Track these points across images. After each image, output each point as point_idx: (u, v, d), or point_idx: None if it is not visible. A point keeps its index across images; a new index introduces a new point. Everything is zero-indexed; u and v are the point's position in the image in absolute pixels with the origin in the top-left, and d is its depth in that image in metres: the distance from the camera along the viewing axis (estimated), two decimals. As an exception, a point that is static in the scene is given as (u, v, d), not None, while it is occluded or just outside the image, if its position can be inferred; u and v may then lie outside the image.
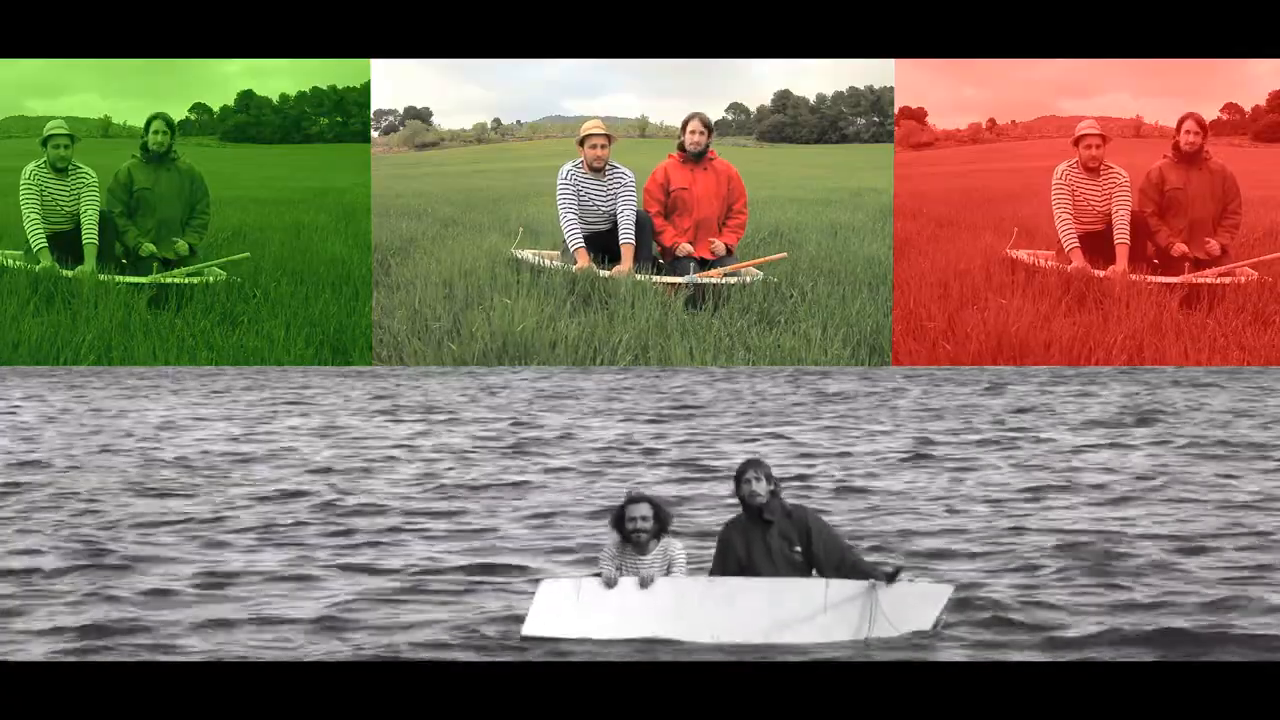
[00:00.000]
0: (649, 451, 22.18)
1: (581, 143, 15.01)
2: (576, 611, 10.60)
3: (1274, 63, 14.73)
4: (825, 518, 11.35)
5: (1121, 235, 14.69)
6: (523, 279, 14.64)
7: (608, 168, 15.04)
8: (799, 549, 10.69)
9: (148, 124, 14.83)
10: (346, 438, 24.17)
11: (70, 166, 14.77)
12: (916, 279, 14.48)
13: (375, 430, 25.40)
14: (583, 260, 14.81)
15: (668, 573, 10.73)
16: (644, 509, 10.75)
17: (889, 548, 14.23)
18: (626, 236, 14.89)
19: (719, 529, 11.12)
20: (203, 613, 11.87)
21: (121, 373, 36.17)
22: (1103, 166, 14.88)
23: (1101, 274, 14.57)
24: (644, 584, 10.66)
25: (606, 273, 14.74)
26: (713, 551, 11.04)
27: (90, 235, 14.62)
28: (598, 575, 10.83)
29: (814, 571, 10.74)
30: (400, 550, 14.55)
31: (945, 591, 10.88)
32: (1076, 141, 14.89)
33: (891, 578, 10.64)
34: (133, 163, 14.87)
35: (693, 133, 15.15)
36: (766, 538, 10.70)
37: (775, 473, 10.90)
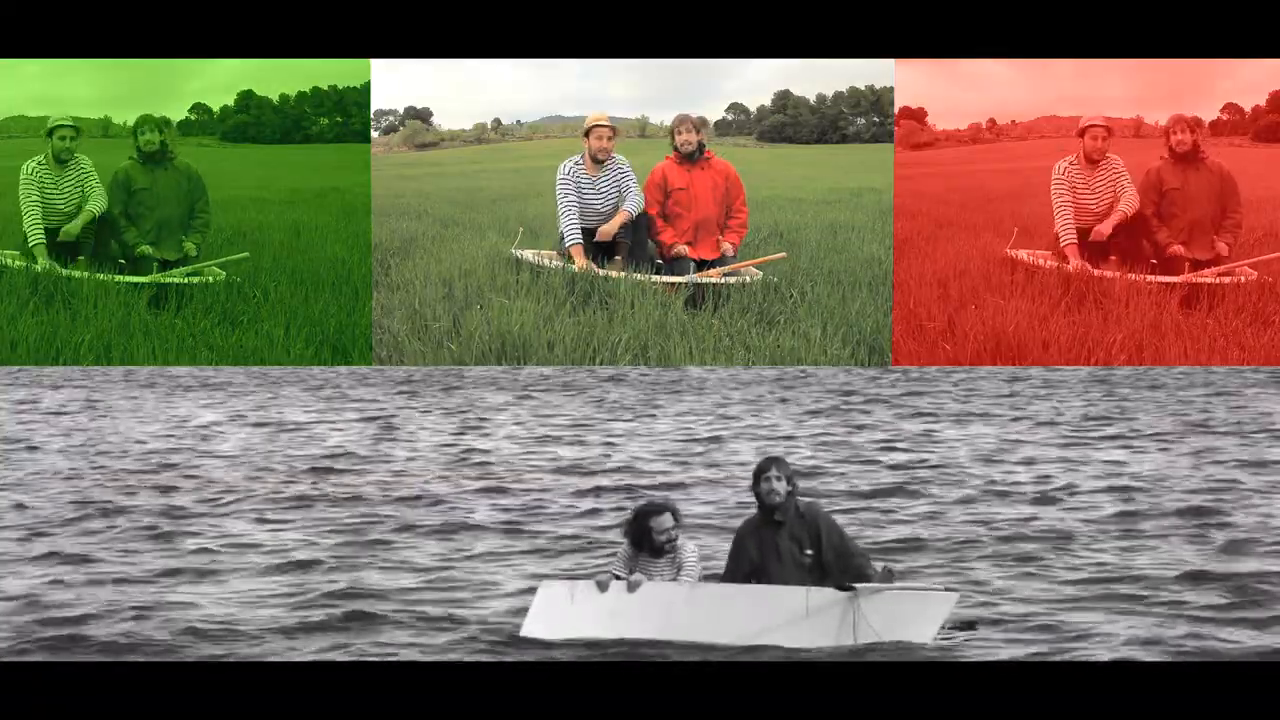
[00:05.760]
0: (661, 450, 22.17)
1: (586, 135, 15.02)
2: (571, 614, 10.60)
3: (1274, 63, 14.72)
4: (839, 517, 11.29)
5: (1124, 206, 14.67)
6: (522, 279, 14.63)
7: (608, 160, 15.05)
8: (809, 551, 10.61)
9: (134, 128, 14.77)
10: (352, 438, 24.16)
11: (72, 160, 14.73)
12: (916, 279, 14.47)
13: (380, 432, 25.38)
14: (577, 257, 14.80)
15: (677, 574, 10.71)
16: (668, 519, 10.71)
17: (894, 550, 14.23)
18: (627, 207, 14.94)
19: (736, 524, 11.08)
20: (201, 613, 11.87)
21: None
22: (1103, 159, 14.87)
23: (1098, 272, 14.58)
24: (631, 588, 10.63)
25: (605, 272, 14.73)
26: (719, 544, 11.02)
27: (90, 213, 14.54)
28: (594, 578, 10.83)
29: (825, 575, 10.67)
30: (400, 552, 14.54)
31: (947, 601, 10.68)
32: (1081, 133, 14.88)
33: (887, 578, 10.57)
34: (130, 163, 14.84)
35: (680, 134, 15.17)
36: (778, 539, 10.65)
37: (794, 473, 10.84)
